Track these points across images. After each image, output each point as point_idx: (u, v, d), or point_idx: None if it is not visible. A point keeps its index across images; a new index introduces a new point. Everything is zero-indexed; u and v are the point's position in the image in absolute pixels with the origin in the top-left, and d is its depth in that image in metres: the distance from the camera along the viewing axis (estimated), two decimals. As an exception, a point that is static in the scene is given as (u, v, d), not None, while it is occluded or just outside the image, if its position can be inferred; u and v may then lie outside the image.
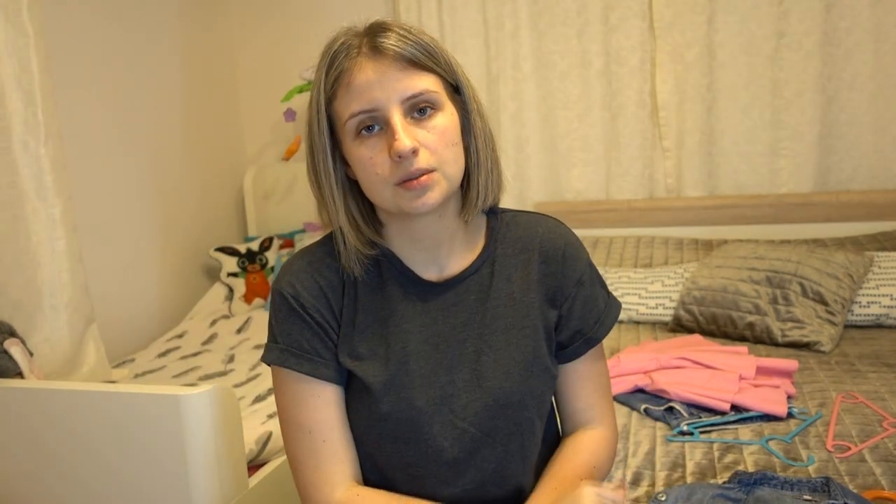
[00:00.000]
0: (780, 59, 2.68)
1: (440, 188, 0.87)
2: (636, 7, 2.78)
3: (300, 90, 2.95)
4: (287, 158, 3.18)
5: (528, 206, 2.99)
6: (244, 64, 3.39)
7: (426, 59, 0.86)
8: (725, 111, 2.77)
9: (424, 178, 0.84)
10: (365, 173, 0.87)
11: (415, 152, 0.84)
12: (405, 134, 0.83)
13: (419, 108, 0.86)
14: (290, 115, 3.03)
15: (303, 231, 3.19)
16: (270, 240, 3.09)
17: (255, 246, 3.06)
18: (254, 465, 1.73)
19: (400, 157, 0.83)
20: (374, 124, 0.85)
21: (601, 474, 1.01)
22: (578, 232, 2.90)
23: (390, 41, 0.84)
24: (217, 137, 3.28)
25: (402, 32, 0.85)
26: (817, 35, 2.61)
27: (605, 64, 2.86)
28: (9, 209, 2.01)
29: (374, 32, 0.86)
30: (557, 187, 3.01)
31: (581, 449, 1.00)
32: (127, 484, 1.46)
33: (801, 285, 2.13)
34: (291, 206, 3.27)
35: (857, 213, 2.62)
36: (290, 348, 0.93)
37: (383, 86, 0.84)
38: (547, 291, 0.98)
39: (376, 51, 0.84)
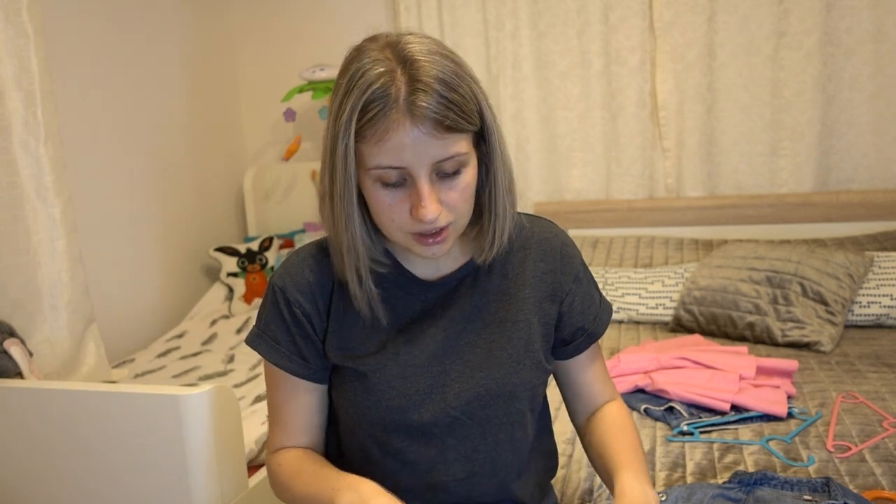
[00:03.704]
0: (780, 59, 2.68)
1: (451, 238, 0.90)
2: (636, 7, 2.78)
3: (300, 90, 2.95)
4: (287, 158, 3.18)
5: (528, 207, 2.99)
6: (244, 64, 3.39)
7: (462, 121, 0.83)
8: (725, 111, 2.77)
9: (443, 235, 0.87)
10: (380, 215, 0.88)
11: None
12: (431, 200, 0.84)
13: (446, 168, 0.85)
14: (290, 115, 3.03)
15: (303, 231, 3.19)
16: (270, 240, 3.09)
17: (255, 246, 3.06)
18: (254, 465, 1.73)
19: (422, 222, 0.85)
20: (399, 178, 0.85)
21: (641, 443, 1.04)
22: (578, 232, 2.92)
23: (430, 104, 0.80)
24: (217, 137, 3.28)
25: (441, 90, 0.81)
26: (817, 35, 2.62)
27: (605, 64, 2.86)
28: (9, 209, 2.01)
29: (412, 85, 0.81)
30: (557, 187, 3.01)
31: (624, 424, 1.02)
32: (127, 484, 1.46)
33: (802, 285, 2.13)
34: (291, 206, 3.27)
35: (857, 213, 2.62)
36: (264, 335, 0.99)
37: (416, 150, 0.82)
38: (546, 288, 1.00)
39: (413, 113, 0.80)
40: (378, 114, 0.81)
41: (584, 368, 1.06)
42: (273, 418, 1.02)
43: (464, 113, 0.83)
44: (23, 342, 1.84)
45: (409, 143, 0.81)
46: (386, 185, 0.85)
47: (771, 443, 1.47)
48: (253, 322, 2.79)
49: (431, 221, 0.84)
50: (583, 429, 1.08)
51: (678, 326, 2.26)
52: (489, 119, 0.88)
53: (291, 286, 0.97)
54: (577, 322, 1.02)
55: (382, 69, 0.81)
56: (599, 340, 1.09)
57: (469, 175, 0.87)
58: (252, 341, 1.00)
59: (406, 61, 0.82)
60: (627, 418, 1.04)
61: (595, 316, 1.04)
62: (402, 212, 0.86)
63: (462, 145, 0.85)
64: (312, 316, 0.97)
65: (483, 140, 0.89)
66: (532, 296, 0.99)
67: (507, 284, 0.99)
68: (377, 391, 0.95)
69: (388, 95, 0.81)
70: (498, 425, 0.97)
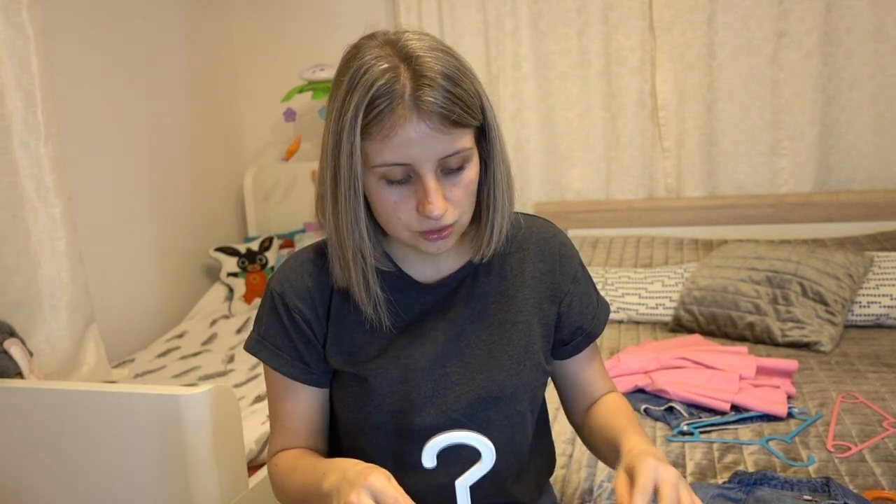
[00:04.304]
0: (780, 59, 2.68)
1: (455, 234, 0.89)
2: (636, 7, 2.78)
3: (300, 90, 2.95)
4: (287, 158, 3.18)
5: (528, 207, 2.99)
6: (244, 64, 3.39)
7: (466, 115, 0.83)
8: (725, 111, 2.77)
9: (448, 230, 0.87)
10: (385, 214, 0.87)
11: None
12: (438, 196, 0.83)
13: (451, 164, 0.85)
14: (290, 115, 3.03)
15: (303, 231, 3.19)
16: (270, 240, 3.10)
17: (255, 246, 3.06)
18: (254, 465, 1.73)
19: (429, 218, 0.84)
20: (404, 175, 0.84)
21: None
22: (578, 232, 2.92)
23: (436, 99, 0.80)
24: (217, 137, 3.28)
25: (445, 85, 0.81)
26: (817, 35, 2.62)
27: (605, 64, 2.87)
28: (9, 209, 2.01)
29: (417, 80, 0.80)
30: (557, 187, 3.02)
31: (620, 405, 1.02)
32: (127, 484, 1.46)
33: (801, 285, 2.13)
34: (291, 206, 3.27)
35: (857, 213, 2.62)
36: (265, 341, 0.98)
37: (422, 145, 0.81)
38: (545, 289, 1.00)
39: (419, 108, 0.80)
40: (384, 110, 0.80)
41: (582, 368, 1.06)
42: (274, 423, 1.01)
43: (468, 108, 0.83)
44: (23, 342, 1.84)
45: (415, 139, 0.81)
46: (391, 182, 0.84)
47: (771, 443, 1.47)
48: (253, 322, 2.80)
49: (439, 217, 0.83)
50: (581, 423, 1.08)
51: (678, 326, 2.26)
52: (490, 115, 0.88)
53: (290, 292, 0.96)
54: (575, 322, 1.02)
55: (386, 65, 0.81)
56: (598, 339, 1.08)
57: (472, 171, 0.87)
58: (252, 347, 0.99)
59: (409, 57, 0.81)
60: (623, 401, 1.04)
61: (593, 315, 1.04)
62: (408, 209, 0.85)
63: (466, 140, 0.84)
64: (312, 322, 0.96)
65: (483, 136, 0.89)
66: (531, 297, 0.99)
67: (506, 286, 0.99)
68: (378, 396, 0.94)
69: (394, 91, 0.80)
70: (499, 427, 0.97)
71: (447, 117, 0.81)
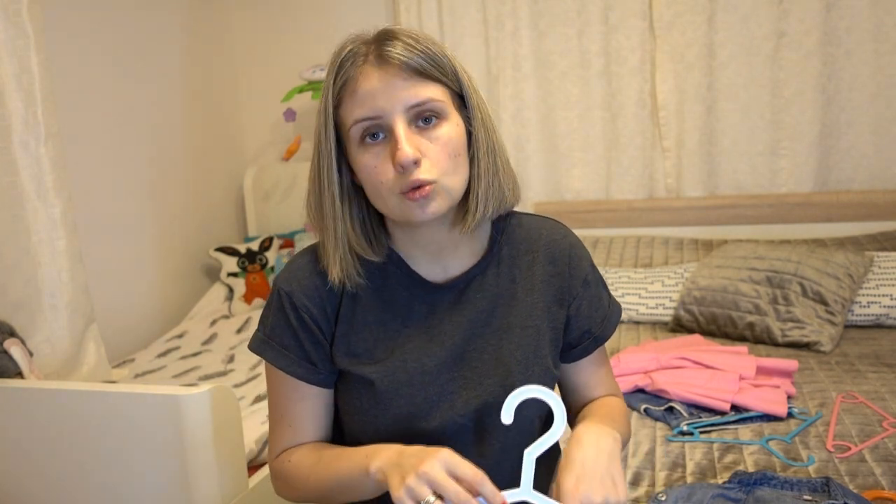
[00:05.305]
0: (780, 59, 2.69)
1: (442, 199, 0.87)
2: (636, 7, 2.78)
3: (300, 90, 2.95)
4: (287, 158, 3.18)
5: (528, 207, 2.99)
6: (244, 64, 3.39)
7: (432, 68, 0.86)
8: (725, 111, 2.78)
9: (427, 188, 0.85)
10: (369, 181, 0.88)
11: (416, 163, 0.84)
12: (408, 143, 0.83)
13: (423, 117, 0.86)
14: (290, 115, 3.03)
15: (303, 231, 3.19)
16: (270, 240, 3.10)
17: (255, 246, 3.06)
18: (254, 465, 1.73)
19: (402, 167, 0.83)
20: (378, 132, 0.86)
21: (625, 430, 1.03)
22: (578, 232, 2.91)
23: (396, 50, 0.84)
24: (217, 137, 3.28)
25: (408, 41, 0.85)
26: (817, 35, 2.62)
27: (605, 64, 2.87)
28: (9, 209, 2.01)
29: (382, 41, 0.86)
30: (557, 187, 3.02)
31: (609, 403, 1.04)
32: (127, 484, 1.46)
33: (801, 285, 2.13)
34: (291, 206, 3.27)
35: (857, 213, 2.62)
36: (271, 341, 0.97)
37: (388, 94, 0.84)
38: (555, 292, 0.99)
39: (382, 59, 0.84)
40: (349, 69, 0.86)
41: (588, 371, 1.05)
42: (277, 421, 1.00)
43: (433, 61, 0.86)
44: (23, 342, 1.84)
45: (380, 88, 0.84)
46: (367, 145, 0.86)
47: (771, 443, 1.47)
48: (253, 322, 2.80)
49: (409, 164, 0.83)
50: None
51: (678, 326, 2.26)
52: (465, 79, 0.90)
53: (298, 290, 0.95)
54: (584, 325, 1.01)
55: (359, 40, 0.88)
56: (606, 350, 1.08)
57: (450, 129, 0.87)
58: (258, 347, 0.97)
59: (381, 33, 0.88)
60: (616, 403, 1.04)
61: (603, 318, 1.03)
62: (388, 170, 0.85)
63: (434, 92, 0.86)
64: (320, 320, 0.95)
65: (464, 105, 0.91)
66: (540, 300, 0.98)
67: (516, 288, 0.98)
68: (385, 399, 0.93)
69: (358, 52, 0.86)
70: (505, 433, 0.95)
71: (408, 65, 0.84)
